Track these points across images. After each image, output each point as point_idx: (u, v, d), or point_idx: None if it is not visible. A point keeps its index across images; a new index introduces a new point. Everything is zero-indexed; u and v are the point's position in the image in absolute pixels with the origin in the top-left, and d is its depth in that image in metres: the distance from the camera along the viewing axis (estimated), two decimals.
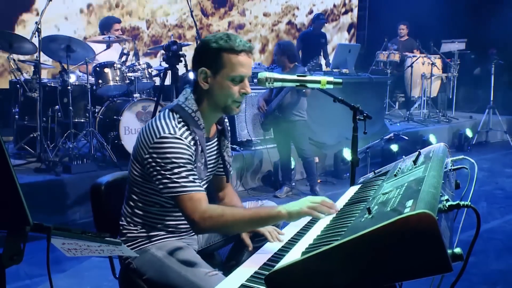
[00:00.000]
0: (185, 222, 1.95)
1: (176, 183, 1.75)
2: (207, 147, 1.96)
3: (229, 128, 2.13)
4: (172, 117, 1.84)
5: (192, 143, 1.83)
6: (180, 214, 1.91)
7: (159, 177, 1.77)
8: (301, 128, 5.19)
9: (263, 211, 1.78)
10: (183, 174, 1.75)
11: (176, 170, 1.75)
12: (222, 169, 2.14)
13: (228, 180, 2.18)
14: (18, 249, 1.06)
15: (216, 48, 1.82)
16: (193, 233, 2.04)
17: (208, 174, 2.02)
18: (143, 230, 1.94)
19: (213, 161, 2.04)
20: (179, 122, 1.83)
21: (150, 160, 1.79)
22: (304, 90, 4.93)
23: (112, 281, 2.08)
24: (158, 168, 1.77)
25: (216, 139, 2.05)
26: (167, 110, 1.88)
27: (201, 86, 1.87)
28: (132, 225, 1.95)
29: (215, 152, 2.05)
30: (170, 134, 1.78)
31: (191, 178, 1.76)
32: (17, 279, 3.24)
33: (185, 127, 1.83)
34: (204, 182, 1.99)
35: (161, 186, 1.78)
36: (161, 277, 1.85)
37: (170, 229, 1.96)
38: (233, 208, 1.96)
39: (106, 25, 5.90)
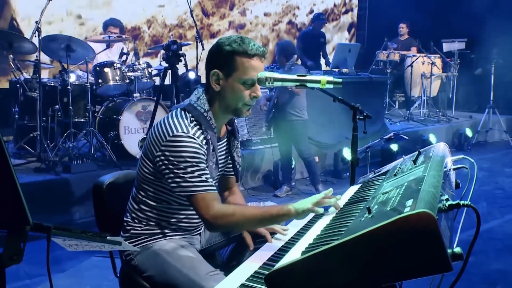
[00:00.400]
0: (189, 221, 1.98)
1: (189, 183, 1.76)
2: (217, 147, 1.98)
3: (238, 129, 2.15)
4: (184, 116, 1.85)
5: (204, 142, 1.84)
6: (185, 213, 1.95)
7: (172, 175, 1.78)
8: (299, 128, 5.17)
9: (274, 209, 1.81)
10: (196, 173, 1.77)
11: (189, 170, 1.76)
12: (230, 169, 2.15)
13: (237, 180, 2.20)
14: (18, 249, 1.06)
15: (230, 51, 1.83)
16: (196, 233, 2.06)
17: (219, 173, 2.05)
18: (147, 227, 1.95)
19: (222, 161, 2.05)
20: (191, 121, 1.84)
21: (162, 158, 1.80)
22: (289, 89, 4.93)
23: (112, 281, 2.09)
24: (170, 166, 1.78)
25: (226, 139, 2.07)
26: (179, 109, 1.89)
27: (212, 88, 1.89)
28: (136, 221, 1.96)
29: (224, 152, 2.07)
30: (184, 133, 1.79)
31: (203, 177, 1.78)
32: (17, 279, 3.25)
33: (197, 126, 1.85)
34: (215, 181, 2.01)
35: (173, 185, 1.79)
36: (162, 275, 1.85)
37: (173, 227, 1.97)
38: (244, 207, 1.99)
39: (104, 26, 5.93)
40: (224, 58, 1.85)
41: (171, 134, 1.79)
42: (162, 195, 1.91)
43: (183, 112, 1.87)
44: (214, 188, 1.82)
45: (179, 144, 1.78)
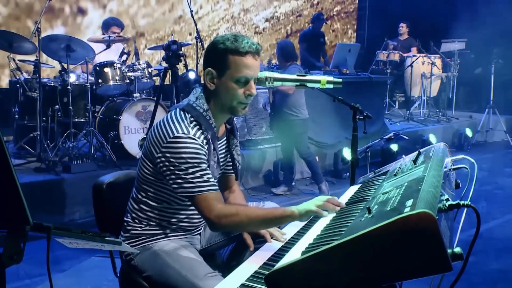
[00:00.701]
0: (189, 221, 1.98)
1: (191, 183, 1.76)
2: (217, 146, 1.97)
3: (238, 128, 2.14)
4: (184, 117, 1.85)
5: (204, 142, 1.84)
6: (185, 213, 1.95)
7: (173, 176, 1.78)
8: (296, 127, 5.16)
9: (277, 211, 1.82)
10: (198, 174, 1.77)
11: (190, 170, 1.76)
12: (230, 168, 2.15)
13: (237, 178, 2.20)
14: (18, 248, 1.06)
15: (223, 49, 1.82)
16: (196, 233, 2.05)
17: (220, 172, 2.05)
18: (147, 228, 1.95)
19: (222, 159, 2.05)
20: (191, 122, 1.84)
21: (163, 159, 1.79)
22: (273, 88, 4.96)
23: (112, 281, 2.09)
24: (171, 168, 1.78)
25: (225, 138, 2.06)
26: (178, 110, 1.88)
27: (208, 87, 1.89)
28: (137, 221, 1.96)
29: (224, 150, 2.06)
30: (184, 134, 1.79)
31: (205, 177, 1.78)
32: (17, 278, 3.25)
33: (197, 127, 1.84)
34: (216, 180, 2.00)
35: (175, 186, 1.79)
36: (161, 275, 1.85)
37: (174, 227, 1.97)
38: (247, 207, 1.99)
39: (106, 25, 5.87)
40: (217, 57, 1.84)
41: (171, 136, 1.79)
42: (163, 195, 1.91)
43: (182, 113, 1.86)
44: (217, 187, 1.81)
45: (180, 145, 1.77)
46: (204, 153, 1.82)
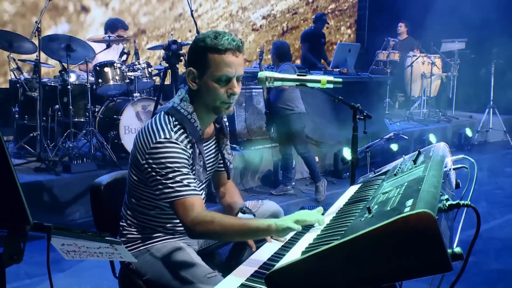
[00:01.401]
0: None
1: (170, 188, 1.73)
2: (205, 147, 1.95)
3: (227, 124, 2.11)
4: (168, 121, 1.81)
5: (188, 146, 1.81)
6: None
7: (155, 183, 1.76)
8: (293, 122, 5.15)
9: (254, 223, 1.71)
10: (178, 178, 1.73)
11: (170, 175, 1.73)
12: (222, 166, 2.12)
13: (229, 177, 2.16)
14: (18, 248, 1.06)
15: (202, 47, 1.78)
16: None
17: (208, 175, 2.02)
18: (143, 232, 1.94)
19: (212, 160, 2.03)
20: (174, 126, 1.80)
21: (146, 166, 1.77)
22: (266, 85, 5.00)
23: (112, 281, 2.08)
24: (153, 173, 1.76)
25: (214, 137, 2.04)
26: (162, 113, 1.85)
27: (190, 87, 1.86)
28: (132, 226, 1.95)
29: (213, 151, 2.04)
30: (165, 138, 1.76)
31: (185, 182, 1.74)
32: (17, 278, 3.25)
33: (181, 130, 1.81)
34: (204, 183, 1.99)
35: (157, 192, 1.77)
36: (160, 278, 1.84)
37: (169, 231, 1.96)
38: (225, 216, 1.87)
39: (112, 27, 5.83)
40: (197, 56, 1.80)
41: (154, 141, 1.76)
42: (154, 201, 1.89)
43: (166, 117, 1.82)
44: (197, 192, 1.76)
45: (161, 150, 1.75)
46: (187, 157, 1.78)
